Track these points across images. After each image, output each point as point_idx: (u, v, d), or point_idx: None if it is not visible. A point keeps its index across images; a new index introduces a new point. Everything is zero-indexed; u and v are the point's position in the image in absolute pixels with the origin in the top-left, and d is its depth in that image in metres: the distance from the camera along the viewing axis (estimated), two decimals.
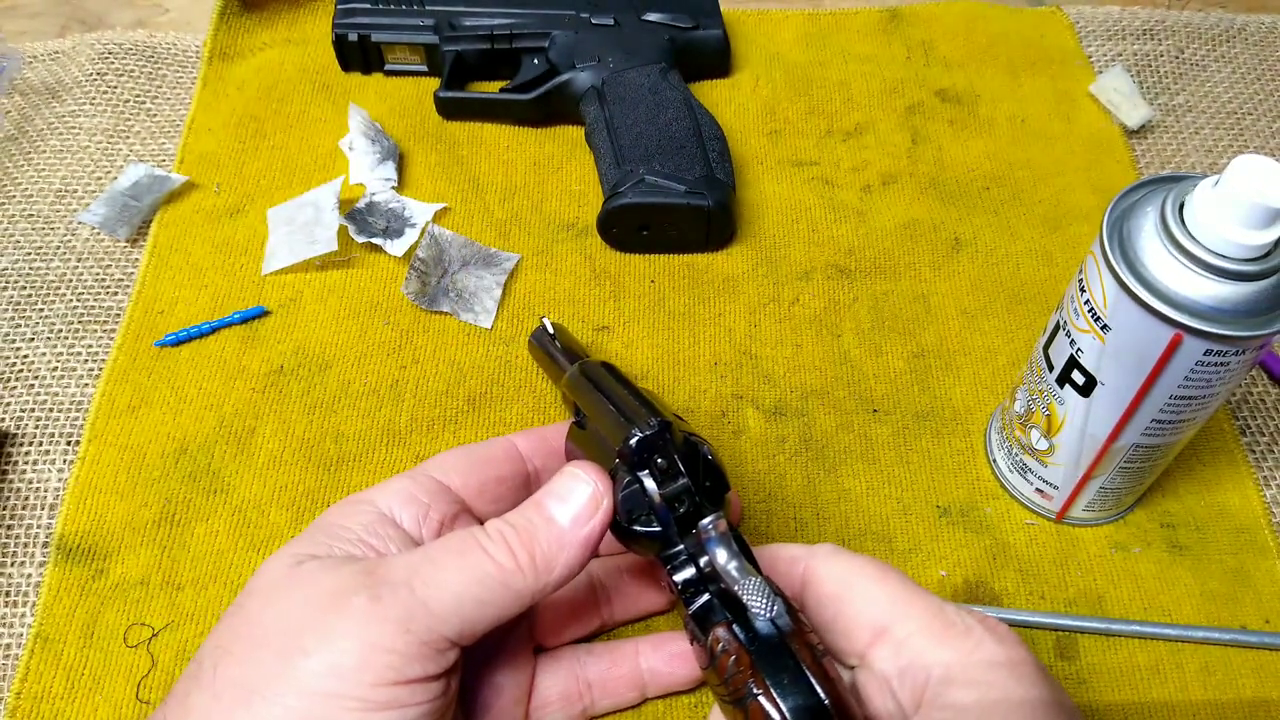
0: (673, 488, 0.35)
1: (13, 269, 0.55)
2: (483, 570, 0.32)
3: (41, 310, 0.54)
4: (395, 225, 0.56)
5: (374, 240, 0.55)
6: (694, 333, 0.54)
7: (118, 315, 0.54)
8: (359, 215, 0.56)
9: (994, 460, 0.49)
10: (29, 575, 0.45)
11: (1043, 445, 0.45)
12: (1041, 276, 0.57)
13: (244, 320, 0.53)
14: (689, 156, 0.55)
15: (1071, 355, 0.41)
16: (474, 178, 0.60)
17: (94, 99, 0.63)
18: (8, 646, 0.43)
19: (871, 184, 0.61)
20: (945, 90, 0.66)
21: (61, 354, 0.52)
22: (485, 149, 0.62)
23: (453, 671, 0.32)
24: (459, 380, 0.52)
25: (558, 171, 0.61)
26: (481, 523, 0.36)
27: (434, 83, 0.64)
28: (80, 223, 0.57)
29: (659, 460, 0.35)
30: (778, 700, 0.30)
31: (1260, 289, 0.35)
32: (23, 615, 0.44)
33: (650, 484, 0.35)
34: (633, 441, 0.35)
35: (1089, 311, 0.39)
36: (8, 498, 0.47)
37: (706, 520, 0.35)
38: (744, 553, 0.34)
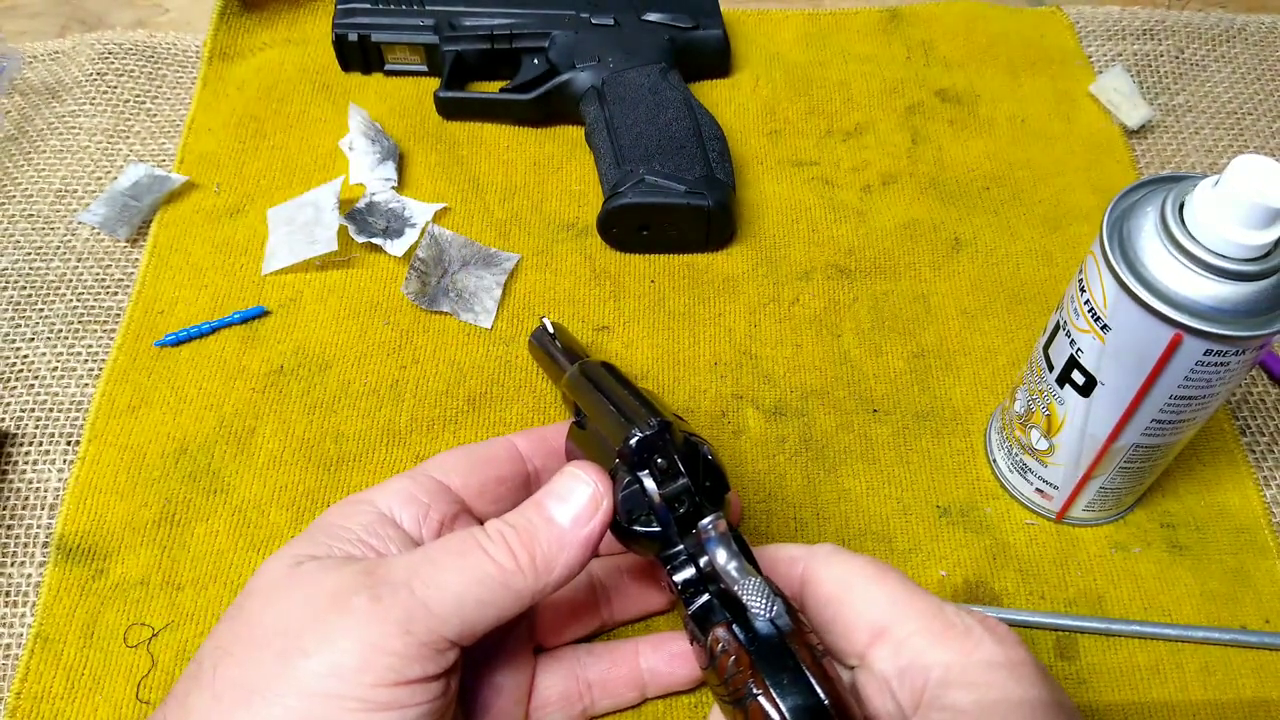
0: (673, 488, 0.35)
1: (13, 269, 0.55)
2: (483, 571, 0.32)
3: (41, 310, 0.54)
4: (395, 225, 0.56)
5: (374, 240, 0.55)
6: (694, 333, 0.54)
7: (118, 315, 0.54)
8: (359, 215, 0.56)
9: (994, 460, 0.49)
10: (29, 575, 0.45)
11: (1043, 445, 0.45)
12: (1041, 276, 0.57)
13: (244, 320, 0.53)
14: (689, 156, 0.55)
15: (1071, 355, 0.41)
16: (474, 178, 0.60)
17: (94, 99, 0.63)
18: (8, 646, 0.43)
19: (871, 184, 0.61)
20: (945, 90, 0.66)
21: (61, 354, 0.52)
22: (485, 149, 0.62)
23: (453, 672, 0.32)
24: (459, 380, 0.52)
25: (558, 171, 0.61)
26: (481, 523, 0.36)
27: (434, 83, 0.64)
28: (80, 223, 0.57)
29: (659, 460, 0.35)
30: (777, 700, 0.30)
31: (1260, 289, 0.35)
32: (23, 615, 0.44)
33: (650, 484, 0.35)
34: (633, 441, 0.35)
35: (1089, 311, 0.39)
36: (8, 498, 0.47)
37: (706, 520, 0.35)
38: (744, 553, 0.34)
